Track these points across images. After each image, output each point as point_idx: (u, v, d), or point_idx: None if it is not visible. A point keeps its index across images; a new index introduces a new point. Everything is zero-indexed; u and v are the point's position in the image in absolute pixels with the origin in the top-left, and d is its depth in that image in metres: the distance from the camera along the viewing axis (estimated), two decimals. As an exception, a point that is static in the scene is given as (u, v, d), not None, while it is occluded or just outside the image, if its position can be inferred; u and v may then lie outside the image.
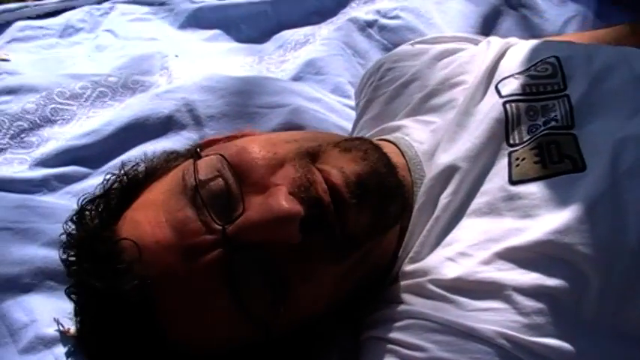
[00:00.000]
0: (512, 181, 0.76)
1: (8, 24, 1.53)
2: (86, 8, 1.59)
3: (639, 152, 0.73)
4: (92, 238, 0.76)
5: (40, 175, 1.07)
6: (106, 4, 1.61)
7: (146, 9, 1.60)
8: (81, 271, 0.76)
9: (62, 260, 0.80)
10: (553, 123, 0.79)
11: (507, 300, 0.69)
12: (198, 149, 0.78)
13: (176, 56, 1.36)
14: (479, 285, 0.71)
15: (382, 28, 1.42)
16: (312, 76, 1.32)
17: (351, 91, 1.26)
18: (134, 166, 0.85)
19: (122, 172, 0.84)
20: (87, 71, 1.30)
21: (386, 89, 1.02)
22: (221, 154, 0.74)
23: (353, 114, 1.15)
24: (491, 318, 0.69)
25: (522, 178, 0.76)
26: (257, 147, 0.75)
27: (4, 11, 1.54)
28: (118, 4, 1.61)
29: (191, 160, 0.76)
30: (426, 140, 0.88)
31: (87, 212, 0.80)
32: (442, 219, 0.78)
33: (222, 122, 1.14)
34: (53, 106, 1.18)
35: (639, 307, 0.68)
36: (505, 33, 1.41)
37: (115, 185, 0.83)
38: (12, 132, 1.13)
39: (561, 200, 0.72)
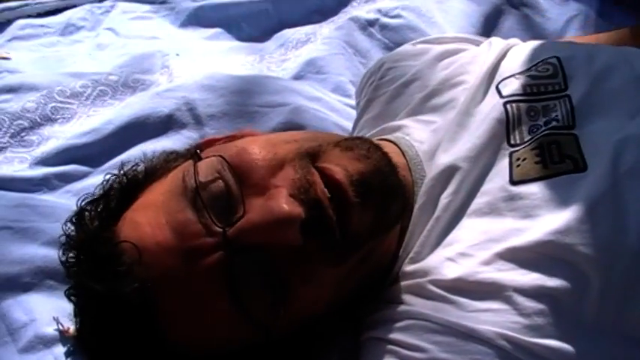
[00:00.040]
0: (513, 182, 0.76)
1: (9, 22, 1.53)
2: (87, 6, 1.59)
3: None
4: (92, 239, 0.75)
5: (41, 173, 1.07)
6: (107, 3, 1.61)
7: (147, 7, 1.61)
8: (81, 273, 0.75)
9: (62, 262, 0.80)
10: (554, 123, 0.79)
11: (508, 301, 0.69)
12: (198, 150, 0.78)
13: (177, 55, 1.36)
14: (479, 285, 0.71)
15: (383, 27, 1.42)
16: (313, 75, 1.32)
17: (352, 90, 1.26)
18: (134, 166, 0.85)
19: (122, 172, 0.84)
20: (87, 70, 1.30)
21: (386, 89, 1.02)
22: (221, 156, 0.74)
23: (354, 113, 1.15)
24: (492, 319, 0.69)
25: (523, 178, 0.76)
26: (257, 148, 0.75)
27: (5, 9, 1.54)
28: (119, 3, 1.61)
29: (191, 161, 0.76)
30: (427, 140, 0.88)
31: (86, 213, 0.80)
32: (443, 219, 0.77)
33: (223, 121, 1.14)
34: (53, 104, 1.18)
35: None
36: (507, 32, 1.41)
37: (115, 185, 0.82)
38: (12, 131, 1.13)
39: (562, 200, 0.72)
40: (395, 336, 0.73)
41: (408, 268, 0.77)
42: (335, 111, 1.21)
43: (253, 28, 1.54)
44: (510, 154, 0.79)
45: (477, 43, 1.04)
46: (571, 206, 0.71)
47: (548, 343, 0.67)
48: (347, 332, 0.81)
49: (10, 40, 1.48)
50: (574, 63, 0.85)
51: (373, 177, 0.74)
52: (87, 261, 0.75)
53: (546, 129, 0.79)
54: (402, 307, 0.74)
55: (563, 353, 0.67)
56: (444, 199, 0.79)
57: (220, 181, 0.72)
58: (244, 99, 1.17)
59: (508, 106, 0.83)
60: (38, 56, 1.40)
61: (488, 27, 1.43)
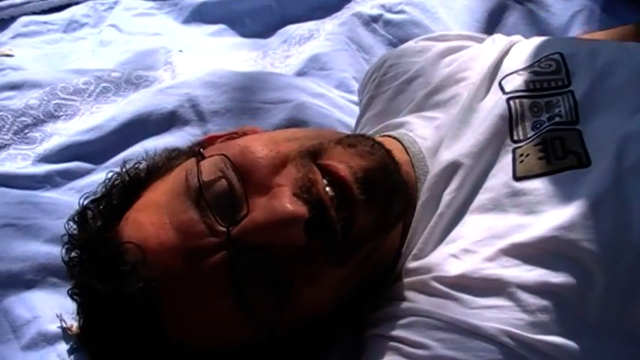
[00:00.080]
0: (517, 177, 0.76)
1: (13, 19, 1.54)
2: (90, 3, 1.60)
3: None
4: (95, 239, 0.75)
5: (44, 170, 1.07)
6: (110, -1, 1.61)
7: (150, 4, 1.61)
8: (84, 273, 0.75)
9: (64, 261, 0.80)
10: (557, 119, 0.79)
11: (511, 297, 0.69)
12: (201, 149, 0.77)
13: (180, 51, 1.37)
14: (483, 282, 0.70)
15: (387, 23, 1.42)
16: (316, 71, 1.31)
17: (356, 86, 1.25)
18: (136, 164, 0.84)
19: (124, 170, 0.84)
20: (91, 66, 1.31)
21: (389, 86, 1.02)
22: (224, 154, 0.73)
23: (357, 110, 1.15)
24: (495, 315, 0.69)
25: (527, 174, 0.75)
26: (260, 146, 0.75)
27: (9, 6, 1.54)
28: (123, -1, 1.61)
29: (194, 160, 0.75)
30: (430, 136, 0.88)
31: (89, 212, 0.80)
32: (446, 215, 0.77)
33: (226, 118, 1.14)
34: (57, 101, 1.19)
35: None
36: (511, 27, 1.40)
37: (117, 184, 0.82)
38: (15, 128, 1.13)
39: (566, 196, 0.72)
40: (398, 333, 0.73)
41: (411, 264, 0.77)
42: (338, 107, 1.21)
43: (256, 24, 1.54)
44: (514, 150, 0.78)
45: (480, 41, 1.03)
46: (575, 202, 0.70)
47: (551, 340, 0.67)
48: (350, 329, 0.81)
49: (13, 37, 1.49)
50: (577, 59, 0.85)
51: (377, 174, 0.74)
52: (90, 261, 0.75)
53: (550, 125, 0.78)
54: (405, 304, 0.74)
55: (566, 350, 0.67)
56: (447, 195, 0.78)
57: (223, 180, 0.72)
58: (247, 95, 1.17)
59: (511, 102, 0.82)
60: (41, 53, 1.41)
61: (493, 22, 1.43)
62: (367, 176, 0.72)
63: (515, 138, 0.80)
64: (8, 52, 1.38)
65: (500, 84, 0.86)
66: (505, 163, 0.78)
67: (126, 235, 0.72)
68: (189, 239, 0.70)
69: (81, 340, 0.79)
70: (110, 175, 0.84)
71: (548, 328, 0.67)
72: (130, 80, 1.25)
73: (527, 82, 0.84)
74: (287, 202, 0.68)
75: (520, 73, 0.86)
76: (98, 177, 0.98)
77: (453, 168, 0.79)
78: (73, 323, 0.81)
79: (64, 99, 1.19)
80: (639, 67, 0.82)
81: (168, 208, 0.72)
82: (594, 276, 0.68)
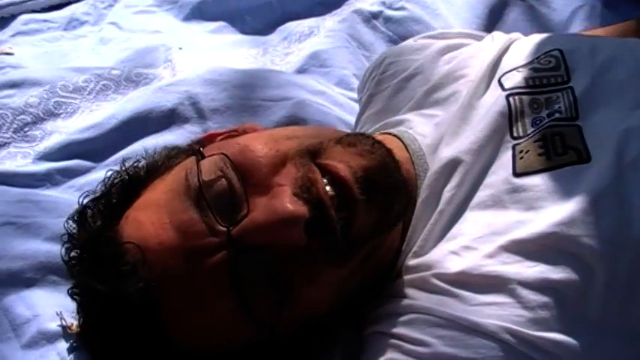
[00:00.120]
0: (517, 174, 0.75)
1: (13, 17, 1.54)
2: (90, 1, 1.60)
3: None
4: (95, 239, 0.75)
5: (44, 169, 1.07)
6: (110, -4, 1.61)
7: (150, 1, 1.61)
8: (84, 273, 0.75)
9: (64, 261, 0.79)
10: (557, 115, 0.79)
11: (512, 294, 0.69)
12: (200, 148, 0.77)
13: (180, 49, 1.37)
14: (483, 279, 0.70)
15: (387, 20, 1.41)
16: (316, 68, 1.31)
17: (356, 83, 1.25)
18: (135, 162, 0.84)
19: (123, 168, 0.83)
20: (90, 64, 1.30)
21: (388, 83, 1.02)
22: (224, 154, 0.73)
23: (357, 107, 1.15)
24: (496, 312, 0.68)
25: (526, 170, 0.75)
26: (259, 145, 0.75)
27: (9, 4, 1.54)
28: (122, -4, 1.61)
29: (194, 159, 0.75)
30: (430, 134, 0.87)
31: (88, 211, 0.80)
32: (446, 212, 0.77)
33: (226, 115, 1.14)
34: (56, 99, 1.19)
35: None
36: (512, 23, 1.40)
37: (116, 183, 0.82)
38: (15, 126, 1.13)
39: (566, 192, 0.72)
40: (398, 330, 0.73)
41: (412, 262, 0.77)
42: (338, 105, 1.20)
43: (257, 21, 1.54)
44: (513, 147, 0.78)
45: (479, 38, 1.03)
46: (575, 198, 0.70)
47: (552, 337, 0.67)
48: (350, 328, 0.81)
49: (13, 36, 1.49)
50: (577, 55, 0.85)
51: (377, 173, 0.73)
52: (90, 261, 0.74)
53: (549, 121, 0.78)
54: (406, 302, 0.74)
55: (567, 347, 0.66)
56: (447, 192, 0.78)
57: (223, 179, 0.72)
58: (247, 93, 1.17)
59: (511, 98, 0.82)
60: (41, 51, 1.41)
61: (493, 18, 1.42)
62: (367, 176, 0.72)
63: (515, 134, 0.79)
64: (8, 51, 1.38)
65: (499, 81, 0.86)
66: (505, 159, 0.78)
67: (126, 235, 0.72)
68: (189, 239, 0.69)
69: (81, 339, 0.79)
70: (110, 173, 0.84)
71: (548, 324, 0.67)
72: (129, 78, 1.26)
73: (526, 79, 0.84)
74: (287, 202, 0.68)
75: (519, 70, 0.86)
76: (98, 175, 0.97)
77: (453, 165, 0.79)
78: (72, 322, 0.81)
79: (63, 97, 1.19)
80: (639, 64, 0.82)
81: (168, 207, 0.72)
82: (595, 272, 0.67)
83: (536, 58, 0.87)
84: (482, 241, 0.72)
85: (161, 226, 0.71)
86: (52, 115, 1.16)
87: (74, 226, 0.80)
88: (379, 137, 0.83)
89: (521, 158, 0.76)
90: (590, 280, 0.68)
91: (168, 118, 1.15)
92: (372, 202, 0.72)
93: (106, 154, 1.11)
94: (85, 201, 0.81)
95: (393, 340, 0.72)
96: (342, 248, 0.71)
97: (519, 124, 0.80)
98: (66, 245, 0.80)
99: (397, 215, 0.76)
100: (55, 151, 1.10)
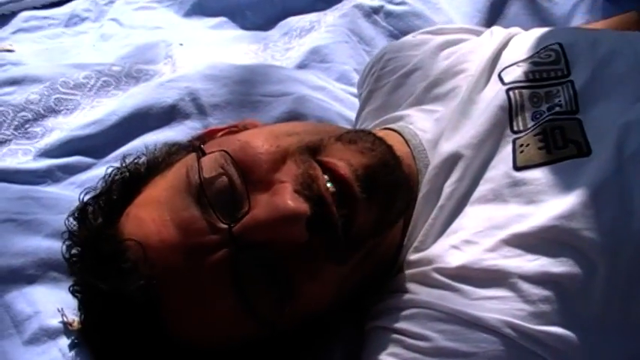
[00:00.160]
0: (517, 168, 0.75)
1: (13, 14, 1.55)
2: (91, -3, 1.60)
3: None
4: (96, 237, 0.75)
5: (45, 165, 1.08)
6: (111, -7, 1.61)
7: (151, -3, 1.61)
8: (85, 271, 0.75)
9: (65, 258, 0.79)
10: (557, 109, 0.79)
11: (513, 288, 0.69)
12: (201, 144, 0.77)
13: (180, 45, 1.37)
14: (484, 273, 0.70)
15: (388, 15, 1.41)
16: (317, 63, 1.31)
17: (357, 78, 1.25)
18: (135, 159, 0.84)
19: (123, 165, 0.83)
20: (91, 61, 1.31)
21: (388, 79, 1.01)
22: (225, 150, 0.73)
23: (357, 103, 1.15)
24: (497, 306, 0.68)
25: (527, 164, 0.75)
26: (260, 141, 0.74)
27: (10, 1, 1.55)
28: (123, -7, 1.61)
29: (194, 156, 0.75)
30: (430, 129, 0.87)
31: (89, 208, 0.80)
32: (447, 207, 0.77)
33: (227, 111, 1.14)
34: (57, 96, 1.19)
35: None
36: (513, 17, 1.40)
37: (117, 179, 0.82)
38: (16, 123, 1.13)
39: (566, 185, 0.72)
40: (399, 325, 0.72)
41: (413, 257, 0.77)
42: (339, 100, 1.20)
43: (257, 17, 1.54)
44: (514, 141, 0.78)
45: (478, 33, 1.03)
46: (575, 191, 0.70)
47: (553, 330, 0.67)
48: (351, 324, 0.81)
49: (14, 33, 1.49)
50: (576, 49, 0.85)
51: (378, 171, 0.73)
52: (91, 258, 0.74)
53: (549, 115, 0.78)
54: (407, 296, 0.74)
55: (568, 341, 0.66)
56: (447, 187, 0.78)
57: (224, 176, 0.71)
58: (248, 88, 1.17)
59: (511, 92, 0.82)
60: (42, 48, 1.41)
61: (494, 12, 1.42)
62: (368, 174, 0.72)
63: (515, 128, 0.79)
64: (9, 48, 1.38)
65: (499, 75, 0.86)
66: (505, 153, 0.77)
67: (127, 232, 0.72)
68: (190, 236, 0.69)
69: (82, 336, 0.79)
70: (110, 170, 0.84)
71: (549, 318, 0.67)
72: (130, 74, 1.26)
73: (526, 73, 0.84)
74: (289, 199, 0.68)
75: (520, 64, 0.86)
76: (99, 171, 0.97)
77: (453, 159, 0.79)
78: (74, 318, 0.81)
79: (64, 93, 1.19)
80: (639, 57, 0.82)
81: (169, 204, 0.72)
82: (595, 266, 0.67)
83: (536, 53, 0.87)
84: (483, 235, 0.72)
85: (162, 224, 0.70)
86: (52, 111, 1.17)
87: (75, 223, 0.80)
88: (380, 133, 0.83)
89: (522, 152, 0.76)
90: (591, 273, 0.67)
91: (168, 114, 1.14)
92: (373, 200, 0.72)
93: (107, 150, 1.11)
94: (86, 198, 0.81)
95: (394, 335, 0.72)
96: (343, 245, 0.71)
97: (519, 118, 0.80)
98: (67, 242, 0.79)
99: (398, 212, 0.76)
100: (56, 148, 1.10)
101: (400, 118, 0.93)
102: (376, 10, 1.42)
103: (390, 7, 1.42)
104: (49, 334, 0.80)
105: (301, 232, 0.68)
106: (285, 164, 0.72)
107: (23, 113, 1.15)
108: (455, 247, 0.73)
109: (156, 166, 0.81)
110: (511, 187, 0.74)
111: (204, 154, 0.74)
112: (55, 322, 0.81)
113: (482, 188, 0.76)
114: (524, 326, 0.67)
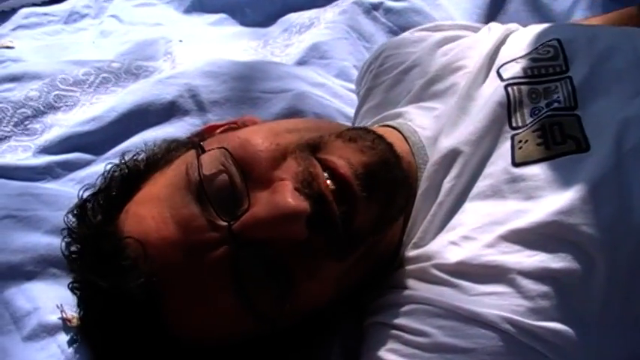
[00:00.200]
0: (516, 164, 0.75)
1: (13, 11, 1.54)
2: (91, -6, 1.60)
3: None
4: (95, 234, 0.75)
5: (44, 162, 1.08)
6: (110, -11, 1.61)
7: (151, -6, 1.61)
8: (85, 268, 0.75)
9: (64, 255, 0.79)
10: (556, 105, 0.79)
11: (512, 284, 0.68)
12: (200, 142, 0.77)
13: (180, 41, 1.37)
14: (483, 269, 0.70)
15: (388, 11, 1.41)
16: (316, 60, 1.31)
17: (356, 75, 1.25)
18: (134, 155, 0.84)
19: (122, 162, 0.83)
20: (91, 57, 1.30)
21: (386, 76, 1.02)
22: (224, 148, 0.73)
23: (357, 99, 1.15)
24: (496, 302, 0.68)
25: (525, 160, 0.75)
26: (260, 139, 0.74)
27: (9, -2, 1.55)
28: (123, -11, 1.61)
29: (194, 153, 0.75)
30: (429, 126, 0.87)
31: (88, 204, 0.80)
32: (446, 203, 0.77)
33: (226, 108, 1.14)
34: (56, 92, 1.19)
35: None
36: (513, 13, 1.40)
37: (116, 176, 0.81)
38: (16, 119, 1.13)
39: (565, 181, 0.71)
40: (398, 321, 0.72)
41: (412, 253, 0.77)
42: (338, 97, 1.20)
43: (257, 13, 1.54)
44: (512, 137, 0.78)
45: (476, 30, 1.03)
46: (574, 186, 0.70)
47: (552, 326, 0.67)
48: (350, 320, 0.81)
49: (14, 29, 1.49)
50: (575, 45, 0.85)
51: (378, 169, 0.73)
52: (91, 256, 0.74)
53: (548, 110, 0.78)
54: (406, 292, 0.74)
55: (567, 336, 0.66)
56: (446, 183, 0.78)
57: (224, 174, 0.71)
58: (247, 85, 1.17)
59: (509, 88, 0.82)
60: (42, 45, 1.41)
61: (494, 9, 1.42)
62: (367, 172, 0.72)
63: (514, 125, 0.79)
64: (9, 44, 1.38)
65: (498, 72, 0.86)
66: (504, 149, 0.77)
67: (126, 230, 0.72)
68: (190, 234, 0.69)
69: (81, 333, 0.79)
70: (109, 167, 0.84)
71: (548, 314, 0.67)
72: (129, 71, 1.25)
73: (525, 69, 0.84)
74: (289, 197, 0.68)
75: (518, 60, 0.86)
76: (98, 168, 0.97)
77: (452, 156, 0.79)
78: (73, 315, 0.81)
79: (64, 90, 1.19)
80: (638, 52, 0.82)
81: (169, 201, 0.71)
82: (595, 261, 0.67)
83: (535, 49, 0.87)
84: (482, 231, 0.72)
85: (162, 221, 0.70)
86: (52, 108, 1.16)
87: (74, 220, 0.80)
88: (380, 131, 0.82)
89: (520, 148, 0.76)
90: (591, 268, 0.67)
91: (168, 111, 1.14)
92: (373, 199, 0.72)
93: (106, 147, 1.11)
94: (85, 194, 0.81)
95: (393, 331, 0.72)
96: (344, 242, 0.71)
97: (518, 114, 0.80)
98: (66, 240, 0.79)
99: (399, 209, 0.76)
100: (56, 145, 1.10)
101: (399, 115, 0.93)
102: (376, 7, 1.42)
103: (389, 3, 1.42)
104: (48, 331, 0.80)
105: (301, 230, 0.68)
106: (286, 161, 0.72)
107: (23, 110, 1.14)
108: (454, 243, 0.73)
109: (155, 163, 0.80)
110: (510, 183, 0.74)
111: (203, 151, 0.74)
112: (54, 318, 0.81)
113: (481, 184, 0.76)
114: (523, 322, 0.67)
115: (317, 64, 1.30)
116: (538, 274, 0.68)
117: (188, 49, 1.33)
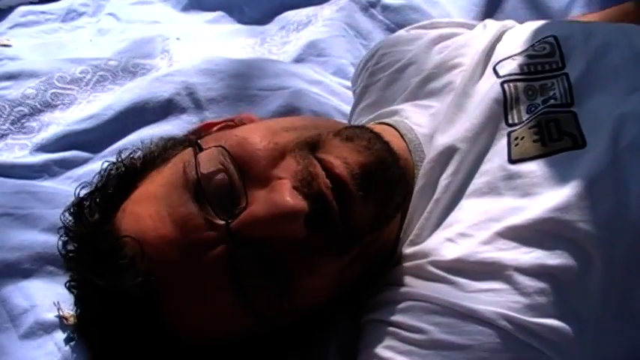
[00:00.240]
0: (512, 160, 0.75)
1: (10, 9, 1.54)
2: (88, -8, 1.60)
3: (639, 128, 0.72)
4: (92, 233, 0.74)
5: (41, 160, 1.07)
6: (108, -12, 1.61)
7: (148, -8, 1.61)
8: (82, 267, 0.75)
9: (61, 254, 0.79)
10: (552, 101, 0.79)
11: (508, 280, 0.68)
12: (198, 140, 0.77)
13: (177, 39, 1.37)
14: (479, 265, 0.70)
15: (385, 8, 1.41)
16: (314, 57, 1.31)
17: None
18: (131, 153, 0.84)
19: (119, 160, 0.83)
20: (88, 55, 1.30)
21: (382, 74, 1.02)
22: (222, 146, 0.73)
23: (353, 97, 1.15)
24: (492, 299, 0.68)
25: (522, 156, 0.75)
26: (258, 137, 0.74)
27: (7, -4, 1.55)
28: (120, -13, 1.61)
29: (191, 151, 0.74)
30: (426, 124, 0.87)
31: (85, 202, 0.79)
32: (442, 201, 0.77)
33: (223, 105, 1.14)
34: (54, 90, 1.19)
35: None
36: (510, 10, 1.40)
37: (113, 174, 0.81)
38: (12, 117, 1.13)
39: (561, 178, 0.72)
40: (395, 318, 0.72)
41: (408, 250, 0.77)
42: (335, 95, 1.20)
43: (255, 11, 1.54)
44: (509, 134, 0.78)
45: (471, 27, 1.03)
46: (571, 183, 0.70)
47: (549, 323, 0.67)
48: (346, 317, 0.81)
49: (11, 27, 1.49)
50: (571, 41, 0.85)
51: (375, 169, 0.73)
52: (88, 254, 0.74)
53: (544, 107, 0.78)
54: (403, 289, 0.74)
55: (564, 333, 0.66)
56: (443, 180, 0.78)
57: (222, 172, 0.71)
58: (244, 82, 1.17)
59: (505, 85, 0.82)
60: (39, 43, 1.41)
61: (492, 6, 1.42)
62: (364, 172, 0.72)
63: (510, 121, 0.79)
64: (6, 43, 1.38)
65: (494, 69, 0.86)
66: (500, 146, 0.77)
67: (123, 228, 0.72)
68: (188, 232, 0.69)
69: (78, 331, 0.79)
70: (106, 165, 0.83)
71: (545, 310, 0.67)
72: (127, 69, 1.26)
73: (521, 66, 0.84)
74: (287, 196, 0.68)
75: (514, 57, 0.86)
76: (95, 166, 0.97)
77: (448, 153, 0.79)
78: (70, 312, 0.80)
79: (61, 88, 1.19)
80: (634, 48, 0.82)
81: (166, 200, 0.71)
82: (591, 257, 0.67)
83: (531, 45, 0.87)
84: (478, 228, 0.72)
85: (159, 219, 0.70)
86: (49, 106, 1.16)
87: (70, 218, 0.80)
88: (377, 129, 0.82)
89: (517, 145, 0.76)
90: (587, 265, 0.67)
91: (165, 109, 1.14)
92: (369, 198, 0.72)
93: (104, 144, 1.11)
94: (82, 193, 0.81)
95: (390, 328, 0.72)
96: (342, 240, 0.71)
97: (514, 111, 0.80)
98: (63, 238, 0.79)
99: (396, 207, 0.76)
100: (53, 143, 1.10)
101: (395, 113, 0.93)
102: (373, 4, 1.42)
103: (386, 0, 1.42)
104: (45, 328, 0.80)
105: (299, 228, 0.68)
106: (284, 160, 0.72)
107: (20, 108, 1.14)
108: (450, 240, 0.73)
109: (152, 161, 0.80)
110: (506, 180, 0.74)
111: (201, 149, 0.74)
112: (51, 316, 0.81)
113: (477, 181, 0.76)
114: (520, 318, 0.67)
115: (314, 62, 1.30)
116: (535, 271, 0.68)
117: (185, 46, 1.33)
